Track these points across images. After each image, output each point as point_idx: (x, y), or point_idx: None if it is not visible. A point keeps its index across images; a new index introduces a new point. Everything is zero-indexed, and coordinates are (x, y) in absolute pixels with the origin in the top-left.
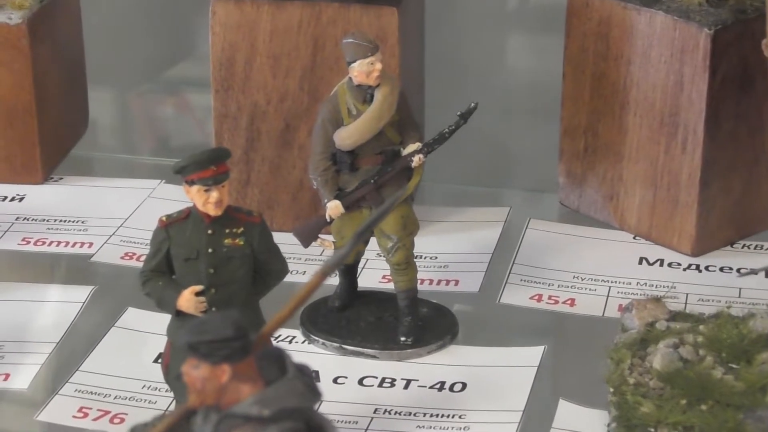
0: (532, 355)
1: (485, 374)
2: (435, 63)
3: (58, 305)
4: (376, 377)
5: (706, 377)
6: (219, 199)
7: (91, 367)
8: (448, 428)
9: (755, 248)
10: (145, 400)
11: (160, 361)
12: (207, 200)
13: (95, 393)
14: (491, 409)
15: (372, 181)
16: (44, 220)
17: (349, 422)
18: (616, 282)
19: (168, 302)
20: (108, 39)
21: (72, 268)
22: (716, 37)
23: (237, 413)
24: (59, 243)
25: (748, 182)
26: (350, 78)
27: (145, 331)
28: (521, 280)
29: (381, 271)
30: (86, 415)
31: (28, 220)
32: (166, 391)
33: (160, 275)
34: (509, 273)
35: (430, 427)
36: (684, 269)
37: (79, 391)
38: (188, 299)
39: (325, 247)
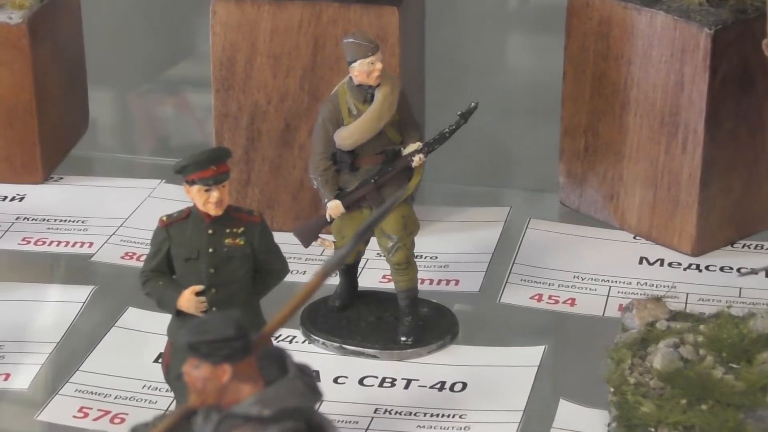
0: (533, 354)
1: (486, 374)
2: (435, 63)
3: (59, 305)
4: (377, 377)
5: (707, 377)
6: (219, 199)
7: (91, 367)
8: (448, 428)
9: (755, 248)
10: (146, 400)
11: (160, 361)
12: (207, 200)
13: (95, 393)
14: (491, 409)
15: (372, 180)
16: (44, 220)
17: (350, 422)
18: (616, 282)
19: (168, 302)
20: (108, 39)
21: (72, 268)
22: (716, 36)
23: (237, 413)
24: (59, 243)
25: (749, 182)
26: (351, 78)
27: (145, 331)
28: (521, 279)
29: (381, 270)
30: (86, 415)
31: (28, 220)
32: (167, 391)
33: (160, 275)
34: (509, 273)
35: (431, 427)
36: (684, 269)
37: (79, 391)
38: (189, 299)
39: (325, 247)
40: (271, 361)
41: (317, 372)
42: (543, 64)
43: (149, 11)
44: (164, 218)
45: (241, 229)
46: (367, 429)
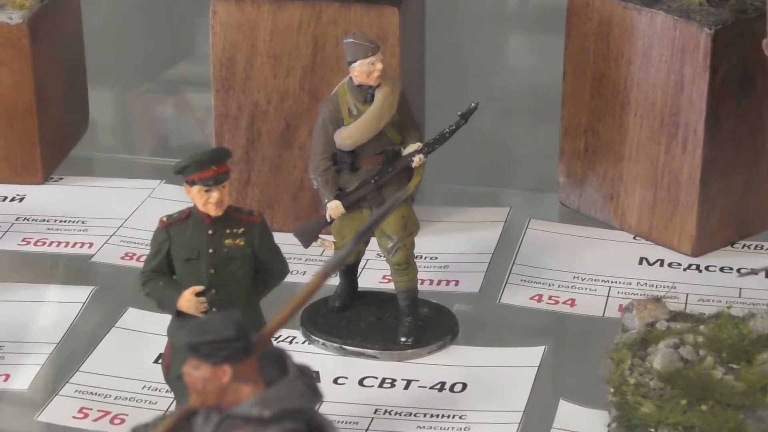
0: (533, 355)
1: (485, 374)
2: (435, 63)
3: (58, 305)
4: (377, 378)
5: (707, 377)
6: (219, 200)
7: (91, 367)
8: (448, 428)
9: (755, 248)
10: (146, 401)
11: (160, 361)
12: (208, 200)
13: (95, 393)
14: (491, 409)
15: (372, 181)
16: (44, 220)
17: (350, 423)
18: (616, 282)
19: (168, 303)
20: (108, 39)
21: (72, 269)
22: (717, 36)
23: (238, 414)
24: (59, 243)
25: (749, 182)
26: (351, 78)
27: (145, 331)
28: (521, 280)
29: (381, 271)
30: (86, 415)
31: (28, 220)
32: (167, 391)
33: (160, 275)
34: (509, 273)
35: (431, 427)
36: (684, 269)
37: (79, 392)
38: (189, 300)
39: (325, 248)
40: (272, 362)
41: (317, 373)
42: (543, 64)
43: (149, 11)
44: (164, 219)
45: (242, 229)
46: (367, 429)
